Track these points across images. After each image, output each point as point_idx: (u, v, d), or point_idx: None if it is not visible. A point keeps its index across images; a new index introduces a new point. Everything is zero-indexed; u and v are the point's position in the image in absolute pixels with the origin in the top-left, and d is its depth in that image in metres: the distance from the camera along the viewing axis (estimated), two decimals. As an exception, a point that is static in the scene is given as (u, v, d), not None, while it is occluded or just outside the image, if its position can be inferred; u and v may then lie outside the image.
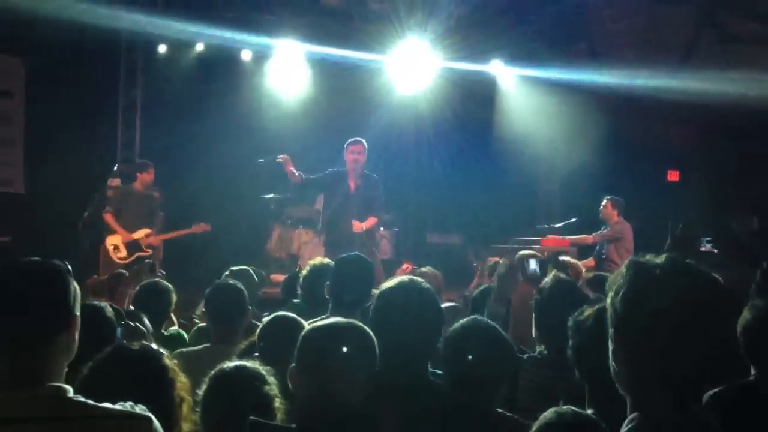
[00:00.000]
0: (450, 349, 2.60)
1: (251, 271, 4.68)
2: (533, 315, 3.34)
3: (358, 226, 7.46)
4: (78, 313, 1.92)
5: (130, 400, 1.91)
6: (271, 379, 2.41)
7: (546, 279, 3.44)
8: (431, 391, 2.52)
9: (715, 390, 2.50)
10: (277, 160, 7.54)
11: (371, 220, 7.59)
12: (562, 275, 3.48)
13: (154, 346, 2.32)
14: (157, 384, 2.17)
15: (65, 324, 1.87)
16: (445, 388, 2.59)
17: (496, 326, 2.74)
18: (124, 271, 5.12)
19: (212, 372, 2.44)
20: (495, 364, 2.59)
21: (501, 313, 3.63)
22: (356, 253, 4.08)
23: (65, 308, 1.88)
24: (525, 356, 3.36)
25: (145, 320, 3.72)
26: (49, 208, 9.62)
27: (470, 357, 2.52)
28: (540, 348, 3.27)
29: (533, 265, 4.20)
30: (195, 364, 2.62)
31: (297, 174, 7.56)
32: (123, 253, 8.38)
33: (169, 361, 2.25)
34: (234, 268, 4.58)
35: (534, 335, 3.34)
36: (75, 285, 1.92)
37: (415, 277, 2.73)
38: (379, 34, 11.03)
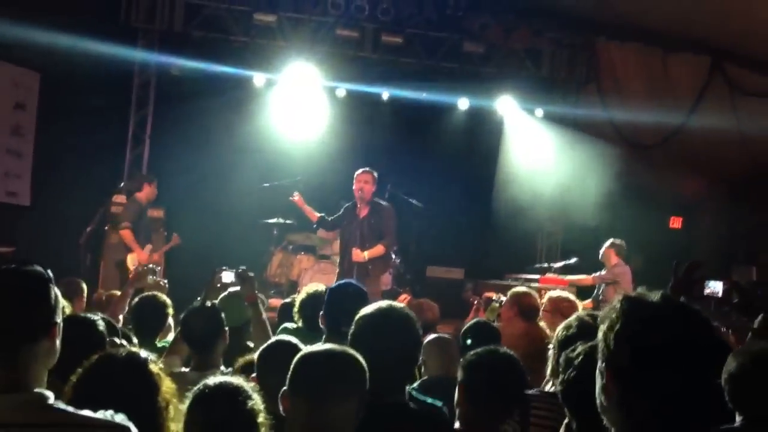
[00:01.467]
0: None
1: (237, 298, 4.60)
2: (552, 352, 3.30)
3: (359, 255, 7.53)
4: (59, 320, 1.91)
5: (115, 404, 1.92)
6: (255, 395, 2.40)
7: (570, 319, 3.38)
8: (409, 415, 2.51)
9: None
10: (291, 199, 7.73)
11: (378, 248, 7.64)
12: (585, 317, 3.44)
13: (142, 353, 2.33)
14: (142, 388, 2.18)
15: (46, 330, 1.87)
16: (423, 411, 2.59)
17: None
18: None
19: (195, 387, 2.42)
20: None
21: None
22: (348, 281, 4.07)
23: (46, 315, 1.87)
24: (536, 390, 3.36)
25: (133, 338, 3.72)
26: (53, 221, 9.66)
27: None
28: (554, 384, 3.26)
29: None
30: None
31: (315, 215, 7.80)
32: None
33: (155, 366, 2.26)
34: (232, 290, 4.55)
35: (548, 372, 3.33)
36: (57, 292, 1.92)
37: (393, 302, 2.73)
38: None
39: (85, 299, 5.84)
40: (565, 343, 3.20)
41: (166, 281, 6.26)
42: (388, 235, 7.79)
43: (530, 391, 3.30)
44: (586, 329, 3.24)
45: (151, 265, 6.53)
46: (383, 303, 2.72)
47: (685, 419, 1.56)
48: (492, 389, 2.77)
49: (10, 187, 9.48)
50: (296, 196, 7.76)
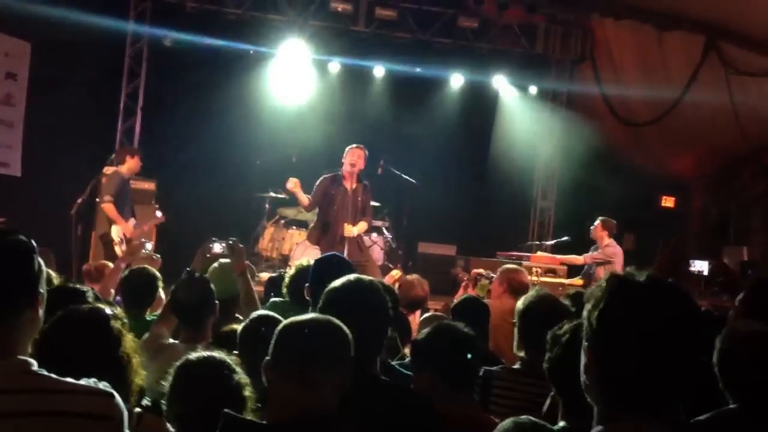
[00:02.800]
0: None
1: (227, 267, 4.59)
2: (516, 326, 3.39)
3: (350, 230, 7.53)
4: (43, 291, 1.90)
5: (77, 359, 1.94)
6: (238, 369, 2.39)
7: (530, 292, 3.48)
8: (378, 388, 2.52)
9: (698, 419, 2.50)
10: (288, 187, 7.59)
11: (362, 226, 7.71)
12: (542, 289, 3.53)
13: (106, 309, 2.32)
14: (103, 343, 2.19)
15: (29, 301, 1.85)
16: (392, 383, 2.60)
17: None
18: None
19: (178, 362, 2.40)
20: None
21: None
22: (333, 252, 4.05)
23: (29, 285, 1.86)
24: (499, 367, 3.41)
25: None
26: (44, 192, 9.63)
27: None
28: (520, 357, 3.32)
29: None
30: (161, 357, 2.60)
31: (307, 201, 7.66)
32: (124, 246, 8.20)
33: (117, 322, 2.26)
34: (222, 261, 4.54)
35: (515, 346, 3.38)
36: (40, 262, 1.90)
37: (362, 276, 2.71)
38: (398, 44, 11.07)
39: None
40: (524, 318, 3.30)
41: (158, 255, 6.25)
42: (370, 213, 7.96)
43: (493, 368, 3.35)
44: (545, 301, 3.32)
45: (142, 240, 6.52)
46: (351, 276, 2.68)
47: (668, 399, 1.56)
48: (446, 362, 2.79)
49: (0, 158, 9.43)
50: (291, 184, 7.55)
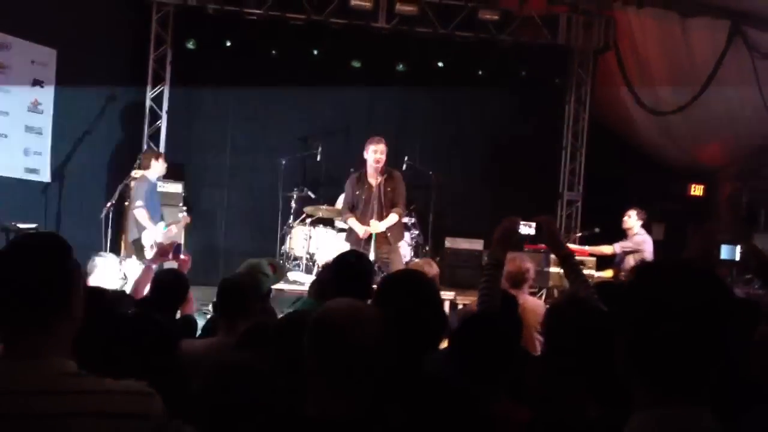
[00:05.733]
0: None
1: (265, 264, 4.65)
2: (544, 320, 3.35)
3: (376, 227, 7.47)
4: (80, 290, 1.90)
5: (130, 362, 1.93)
6: (264, 367, 2.39)
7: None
8: (423, 381, 2.48)
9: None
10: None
11: (392, 217, 7.59)
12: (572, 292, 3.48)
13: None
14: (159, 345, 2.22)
15: (65, 300, 1.86)
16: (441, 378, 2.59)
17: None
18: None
19: (205, 368, 2.40)
20: None
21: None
22: (351, 249, 4.06)
23: (65, 284, 1.87)
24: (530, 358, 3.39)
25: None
26: (74, 197, 9.75)
27: None
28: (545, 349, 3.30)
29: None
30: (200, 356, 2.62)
31: (349, 212, 7.69)
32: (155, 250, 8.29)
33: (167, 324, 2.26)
34: (253, 260, 4.59)
35: (541, 338, 3.36)
36: (75, 260, 1.91)
37: (412, 269, 2.69)
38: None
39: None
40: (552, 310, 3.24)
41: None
42: (401, 201, 7.71)
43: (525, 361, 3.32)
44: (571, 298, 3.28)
45: (173, 241, 6.56)
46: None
47: (703, 385, 1.55)
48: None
49: (30, 164, 9.56)
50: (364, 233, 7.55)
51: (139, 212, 8.22)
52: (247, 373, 2.37)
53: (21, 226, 8.15)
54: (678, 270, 1.59)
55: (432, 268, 5.31)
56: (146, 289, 4.78)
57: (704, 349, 1.53)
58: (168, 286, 4.39)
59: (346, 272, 3.60)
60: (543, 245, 9.04)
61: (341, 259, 3.72)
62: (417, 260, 5.76)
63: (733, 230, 11.53)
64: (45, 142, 9.67)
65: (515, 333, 3.03)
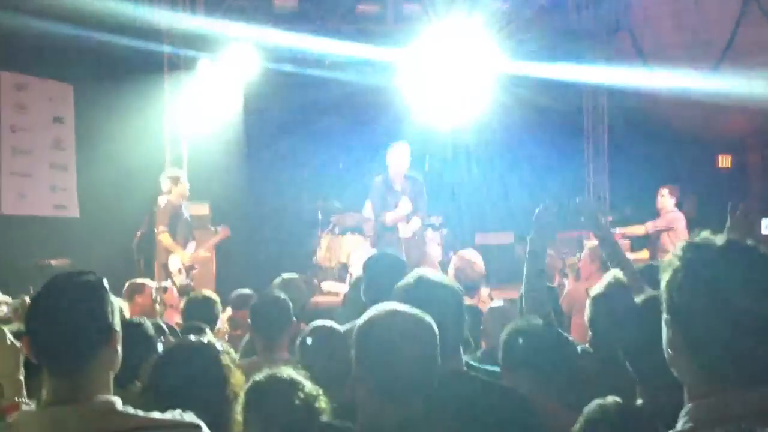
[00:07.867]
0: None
1: (299, 279, 4.72)
2: (588, 312, 3.29)
3: (406, 230, 7.49)
4: (118, 328, 1.93)
5: (185, 393, 1.93)
6: (307, 382, 2.37)
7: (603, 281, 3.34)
8: (468, 383, 2.45)
9: None
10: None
11: (416, 222, 7.62)
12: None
13: (217, 344, 2.34)
14: (213, 378, 2.20)
15: (106, 338, 1.88)
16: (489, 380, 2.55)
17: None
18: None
19: (246, 385, 2.38)
20: None
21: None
22: (383, 251, 4.04)
23: (105, 322, 1.89)
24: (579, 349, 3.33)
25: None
26: (103, 230, 9.81)
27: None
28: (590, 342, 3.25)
29: None
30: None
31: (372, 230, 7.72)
32: (184, 275, 8.40)
33: (226, 357, 2.26)
34: (285, 275, 4.62)
35: (587, 331, 3.30)
36: (113, 299, 1.94)
37: (429, 271, 2.62)
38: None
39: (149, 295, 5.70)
40: (596, 302, 3.18)
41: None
42: (422, 208, 7.78)
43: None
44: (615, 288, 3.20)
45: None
46: (420, 271, 2.57)
47: (760, 368, 1.49)
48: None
49: (57, 201, 9.65)
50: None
51: (163, 236, 8.34)
52: (293, 389, 2.36)
53: (53, 263, 8.23)
54: (730, 250, 1.53)
55: (477, 261, 5.17)
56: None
57: (759, 333, 1.47)
58: (197, 310, 4.40)
59: (379, 275, 3.55)
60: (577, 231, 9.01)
61: (372, 261, 3.69)
62: (462, 252, 5.55)
63: (763, 202, 11.34)
64: (71, 178, 9.75)
65: (569, 349, 2.96)
